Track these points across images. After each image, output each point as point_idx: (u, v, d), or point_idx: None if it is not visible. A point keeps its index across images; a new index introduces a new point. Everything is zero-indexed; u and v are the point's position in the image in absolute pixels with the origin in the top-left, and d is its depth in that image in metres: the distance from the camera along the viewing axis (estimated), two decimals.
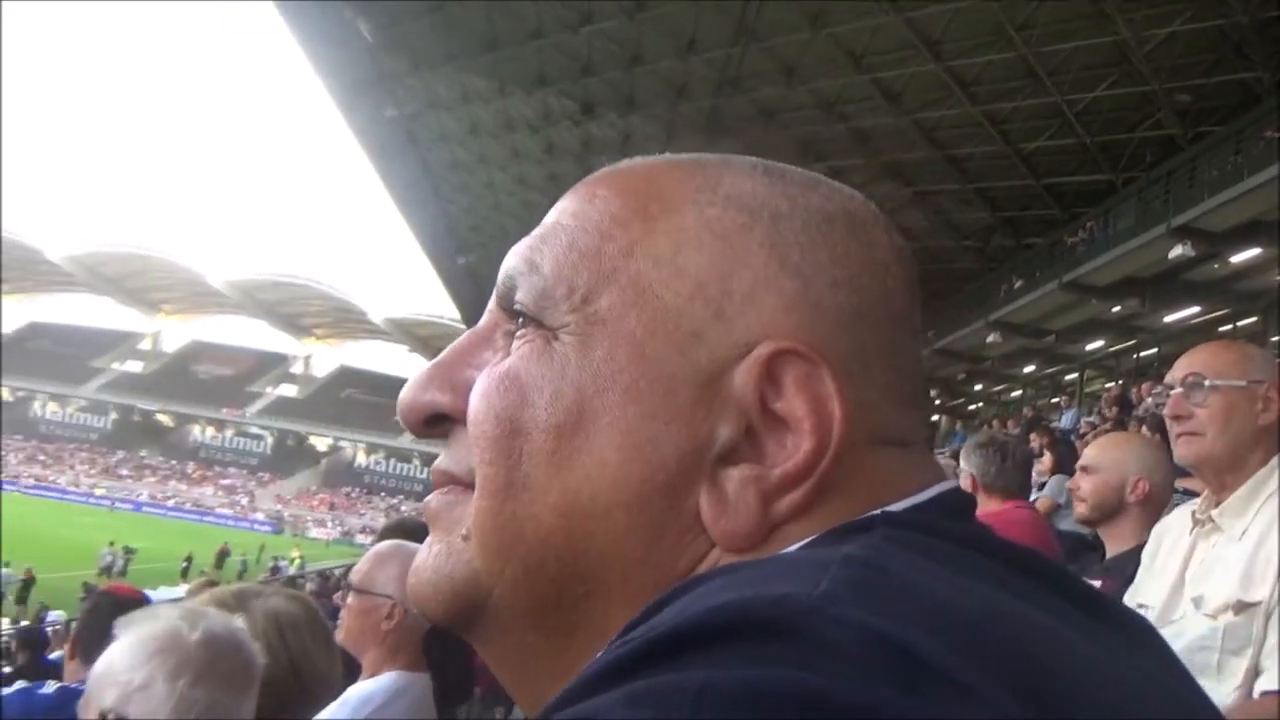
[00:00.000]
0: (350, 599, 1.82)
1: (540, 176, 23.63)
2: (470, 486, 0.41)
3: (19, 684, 1.42)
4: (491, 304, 0.45)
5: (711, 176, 0.42)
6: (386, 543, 1.97)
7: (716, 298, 0.39)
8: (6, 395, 70.63)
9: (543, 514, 0.39)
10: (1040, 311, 18.34)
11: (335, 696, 1.63)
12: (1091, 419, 12.85)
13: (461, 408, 0.42)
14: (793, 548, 0.37)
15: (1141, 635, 0.39)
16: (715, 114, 18.27)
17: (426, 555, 0.43)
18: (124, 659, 1.06)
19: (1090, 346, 20.31)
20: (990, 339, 19.85)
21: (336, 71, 21.12)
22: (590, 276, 0.41)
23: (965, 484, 2.83)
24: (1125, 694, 0.32)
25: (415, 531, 2.34)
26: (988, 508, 2.77)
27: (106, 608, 2.14)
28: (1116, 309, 17.08)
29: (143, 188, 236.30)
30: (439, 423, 0.44)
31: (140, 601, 2.13)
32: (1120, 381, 16.66)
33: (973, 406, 27.46)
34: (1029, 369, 23.06)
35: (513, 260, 0.44)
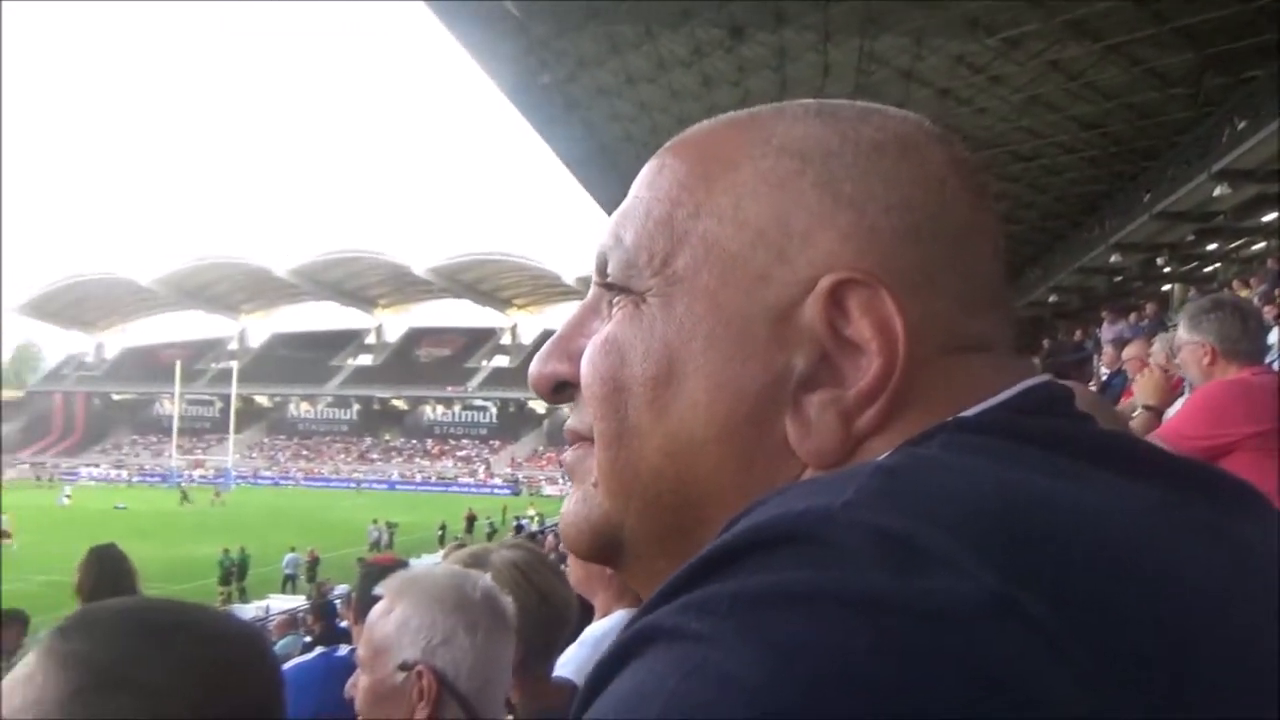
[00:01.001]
0: None
1: (701, 111, 23.17)
2: (591, 441, 0.47)
3: (318, 649, 1.69)
4: (594, 277, 0.49)
5: (764, 129, 0.46)
6: None
7: (777, 241, 0.43)
8: (265, 401, 79.06)
9: (651, 456, 0.44)
10: (1272, 150, 16.25)
11: (575, 624, 1.79)
12: None
13: (578, 374, 0.47)
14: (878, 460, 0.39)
15: None
16: (870, 8, 17.32)
17: (569, 504, 0.49)
18: (421, 616, 1.20)
19: None
20: (1218, 191, 17.84)
21: (489, 50, 21.69)
22: (665, 242, 0.45)
23: (1195, 356, 2.62)
24: (1206, 586, 0.32)
25: None
26: (1227, 374, 2.54)
27: (375, 576, 2.47)
28: None
29: (339, 192, 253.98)
30: (563, 389, 0.49)
31: (401, 567, 2.44)
32: None
33: (1209, 269, 24.88)
34: (1269, 217, 20.55)
35: (603, 237, 0.48)
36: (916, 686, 0.27)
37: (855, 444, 0.41)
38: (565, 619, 1.71)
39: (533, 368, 0.50)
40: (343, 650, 1.50)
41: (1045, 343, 14.99)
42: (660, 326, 0.44)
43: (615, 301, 0.47)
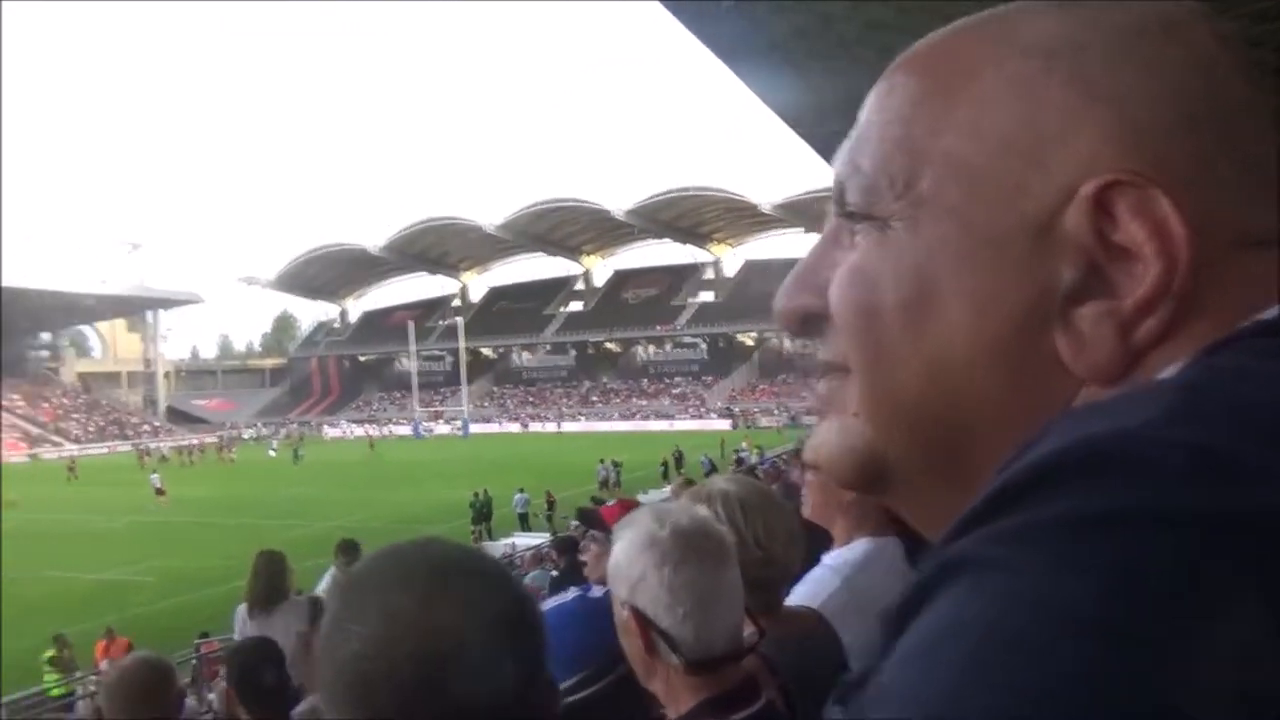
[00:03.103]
0: (809, 476, 1.94)
1: (890, 12, 21.97)
2: (845, 370, 0.46)
3: (573, 590, 1.75)
4: (831, 209, 0.48)
5: (1004, 30, 0.43)
6: None
7: (1029, 149, 0.41)
8: (489, 353, 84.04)
9: (912, 382, 0.43)
10: None
11: (801, 549, 1.74)
12: None
13: (826, 306, 0.46)
14: (1167, 371, 0.37)
15: None
16: None
17: (826, 434, 0.48)
18: (622, 557, 1.26)
19: None
20: None
21: None
22: (905, 163, 0.43)
23: None
24: None
25: None
26: None
27: (588, 514, 2.63)
28: None
29: (530, 143, 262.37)
30: (811, 322, 0.48)
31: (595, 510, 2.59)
32: None
33: None
34: None
35: (838, 166, 0.47)
36: (1245, 601, 0.27)
37: (1135, 357, 0.39)
38: (786, 549, 1.66)
39: (778, 303, 0.49)
40: (596, 591, 1.56)
41: None
42: (909, 251, 0.43)
43: (858, 230, 0.45)
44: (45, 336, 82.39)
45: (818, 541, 1.95)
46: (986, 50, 0.43)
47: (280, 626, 4.94)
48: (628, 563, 1.24)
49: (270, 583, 5.67)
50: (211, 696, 6.66)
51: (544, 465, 37.20)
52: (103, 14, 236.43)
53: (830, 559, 1.87)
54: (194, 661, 11.01)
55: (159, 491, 32.73)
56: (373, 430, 68.19)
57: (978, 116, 0.42)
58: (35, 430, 66.42)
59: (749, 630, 1.29)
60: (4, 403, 68.44)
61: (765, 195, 70.64)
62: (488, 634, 0.73)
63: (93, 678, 11.74)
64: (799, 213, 70.54)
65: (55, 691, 11.66)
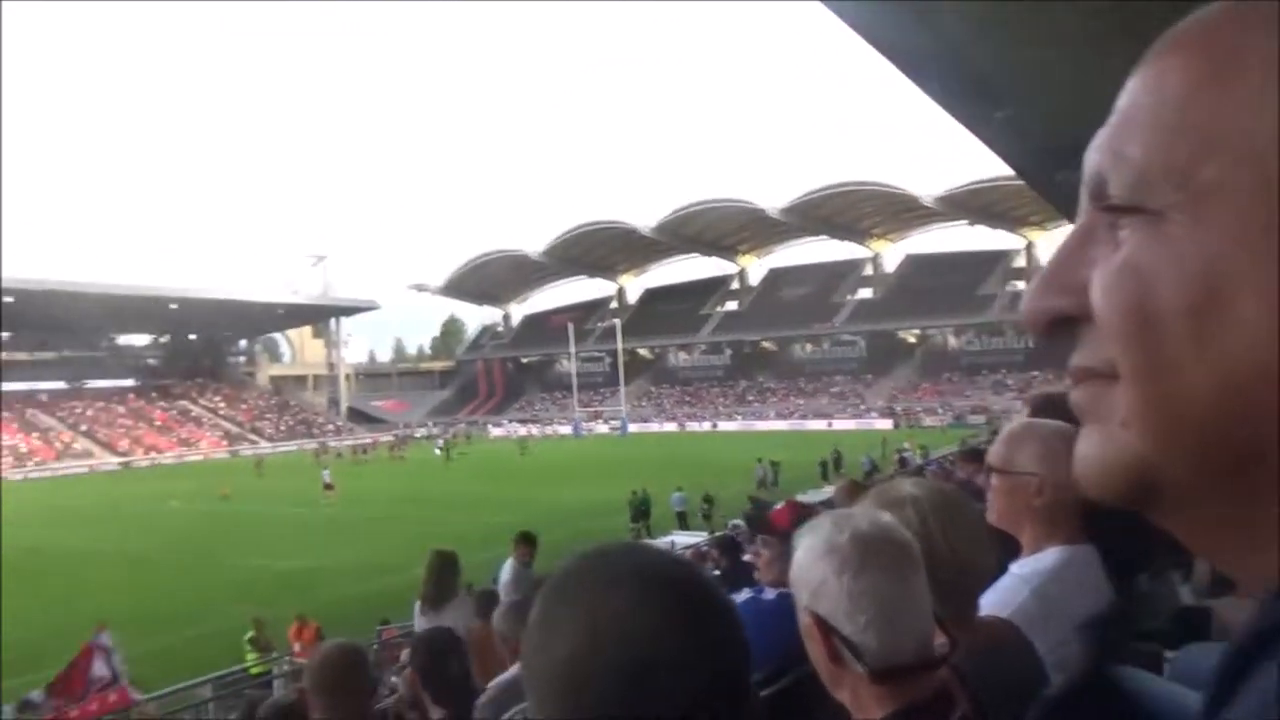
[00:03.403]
0: (994, 480, 1.85)
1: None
2: (1110, 377, 0.42)
3: (746, 591, 1.74)
4: (1084, 202, 0.44)
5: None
6: (1017, 423, 1.96)
7: None
8: (646, 353, 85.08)
9: (1199, 394, 0.39)
10: None
11: (990, 560, 1.66)
12: None
13: (1083, 306, 0.43)
14: None
15: None
16: None
17: (1088, 446, 0.44)
18: (803, 564, 1.23)
19: None
20: None
21: None
22: (1183, 150, 0.40)
23: None
24: None
25: (1061, 406, 2.25)
26: None
27: (757, 516, 2.62)
28: None
29: (684, 145, 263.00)
30: (1063, 325, 0.45)
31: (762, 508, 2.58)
32: None
33: None
34: None
35: (1096, 156, 0.43)
36: None
37: None
38: (979, 556, 1.58)
39: (1026, 304, 0.45)
40: (770, 594, 1.54)
41: None
42: (1192, 246, 0.39)
43: (1124, 224, 0.42)
44: (243, 343, 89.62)
45: (1003, 549, 1.85)
46: (1258, 25, 0.40)
47: (449, 622, 5.18)
48: (808, 568, 1.22)
49: (440, 581, 5.97)
50: (395, 680, 7.02)
51: (700, 464, 37.31)
52: (292, 51, 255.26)
53: (1019, 568, 1.77)
54: (375, 647, 11.68)
55: (327, 486, 35.00)
56: (534, 430, 70.48)
57: (1260, 93, 0.38)
58: (234, 429, 72.38)
59: (940, 641, 1.24)
60: (208, 404, 75.12)
61: (926, 188, 68.19)
62: (693, 638, 0.73)
63: (287, 659, 12.68)
64: (962, 205, 67.77)
65: (255, 670, 12.64)
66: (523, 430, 71.53)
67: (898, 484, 1.69)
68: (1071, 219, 0.45)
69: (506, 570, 7.62)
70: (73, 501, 39.35)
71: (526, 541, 7.59)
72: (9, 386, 66.94)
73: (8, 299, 58.90)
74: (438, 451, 55.61)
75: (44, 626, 17.09)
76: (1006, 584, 1.72)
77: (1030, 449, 1.79)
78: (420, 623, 6.08)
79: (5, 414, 62.87)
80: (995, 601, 1.70)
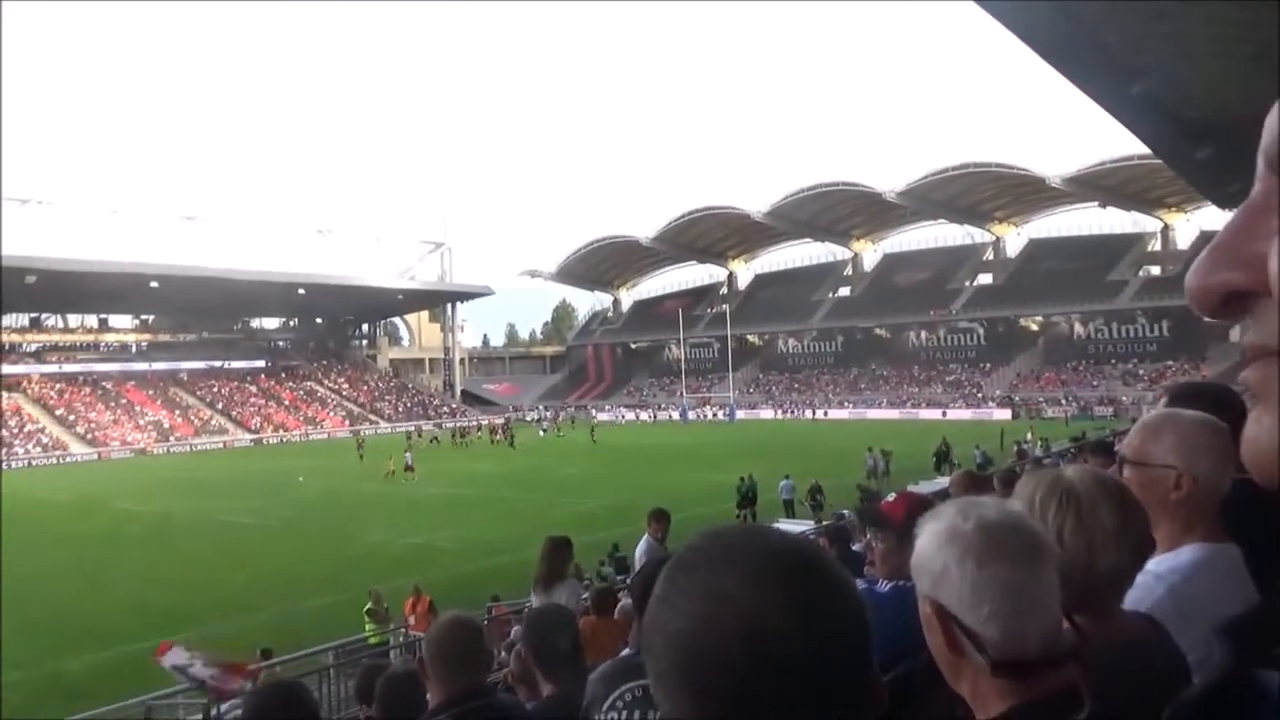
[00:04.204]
0: (1127, 472, 1.76)
1: None
2: None
3: (860, 583, 1.71)
4: (1261, 171, 0.42)
5: None
6: (1154, 413, 1.86)
7: None
8: (755, 340, 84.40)
9: None
10: None
11: (1142, 550, 1.59)
12: None
13: (1259, 281, 0.40)
14: None
15: None
16: None
17: (1259, 428, 0.41)
18: (925, 551, 1.20)
19: None
20: None
21: None
22: None
23: None
24: None
25: (1202, 396, 2.12)
26: None
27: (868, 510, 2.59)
28: None
29: (791, 127, 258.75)
30: (1235, 301, 0.42)
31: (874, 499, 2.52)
32: None
33: None
34: None
35: (1275, 124, 0.41)
36: None
37: None
38: (1124, 549, 1.51)
39: (1192, 280, 0.42)
40: (884, 585, 1.50)
41: None
42: None
43: None
44: (365, 327, 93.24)
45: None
46: None
47: (560, 601, 5.40)
48: (929, 556, 1.19)
49: (552, 565, 6.18)
50: (503, 655, 7.24)
51: (809, 452, 36.89)
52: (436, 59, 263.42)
53: (1154, 565, 1.68)
54: (485, 622, 12.04)
55: (408, 468, 37.07)
56: (644, 415, 70.73)
57: None
58: (356, 409, 75.52)
59: (1071, 635, 1.19)
60: (332, 385, 78.56)
61: (1053, 168, 65.04)
62: (808, 616, 0.72)
63: (402, 631, 13.20)
64: (1092, 185, 64.36)
65: (373, 640, 13.20)
66: (630, 415, 71.92)
67: (1046, 472, 1.63)
68: (1216, 199, 0.43)
69: (642, 545, 7.96)
70: (211, 475, 41.94)
71: (660, 518, 7.82)
72: (157, 366, 72.14)
73: (153, 284, 63.04)
74: (542, 434, 56.30)
75: (190, 584, 18.84)
76: (1141, 581, 1.64)
77: (1168, 440, 1.70)
78: (534, 601, 6.29)
79: (150, 391, 67.54)
80: (1128, 600, 1.62)
